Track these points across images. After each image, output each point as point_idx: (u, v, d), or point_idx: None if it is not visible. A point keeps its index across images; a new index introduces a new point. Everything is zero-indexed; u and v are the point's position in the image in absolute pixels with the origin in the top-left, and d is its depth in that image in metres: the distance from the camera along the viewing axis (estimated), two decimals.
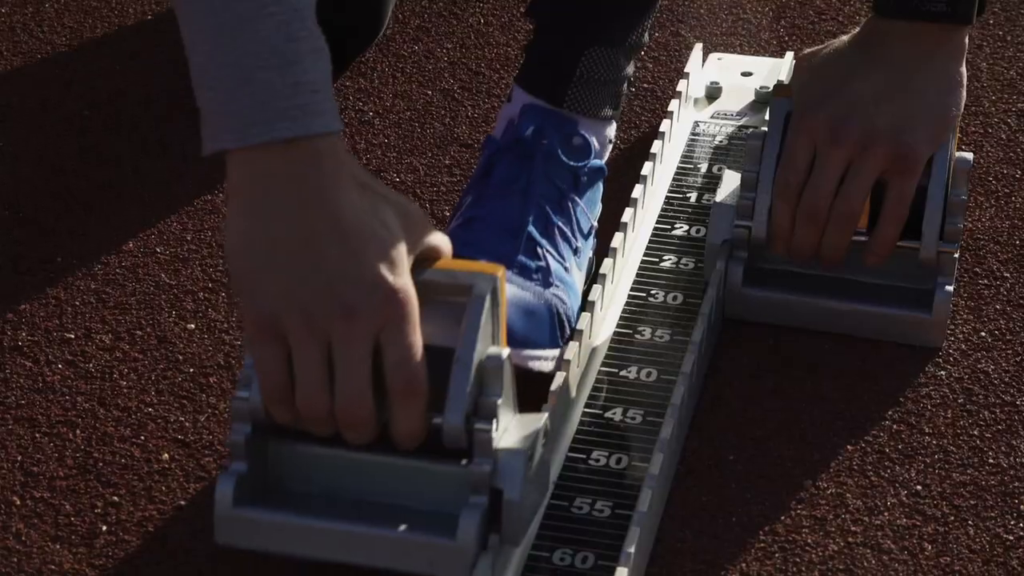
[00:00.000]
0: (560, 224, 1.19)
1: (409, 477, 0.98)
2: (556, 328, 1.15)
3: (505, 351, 0.97)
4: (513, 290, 1.13)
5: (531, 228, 1.17)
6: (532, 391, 1.06)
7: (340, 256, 0.94)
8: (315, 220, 0.94)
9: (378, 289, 0.94)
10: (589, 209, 1.22)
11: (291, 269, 0.94)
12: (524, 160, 1.20)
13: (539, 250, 1.17)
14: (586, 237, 1.21)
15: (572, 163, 1.20)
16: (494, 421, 0.95)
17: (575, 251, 1.19)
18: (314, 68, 0.95)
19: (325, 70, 0.96)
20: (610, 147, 1.26)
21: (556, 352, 1.13)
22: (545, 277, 1.16)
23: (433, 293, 0.97)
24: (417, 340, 0.94)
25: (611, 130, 1.25)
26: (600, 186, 1.24)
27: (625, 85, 1.26)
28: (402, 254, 0.95)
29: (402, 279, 0.95)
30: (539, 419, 0.99)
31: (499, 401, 0.96)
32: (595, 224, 1.23)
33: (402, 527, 0.96)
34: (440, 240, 1.00)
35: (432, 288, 0.97)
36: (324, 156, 0.95)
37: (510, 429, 0.98)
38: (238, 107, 0.94)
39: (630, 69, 1.26)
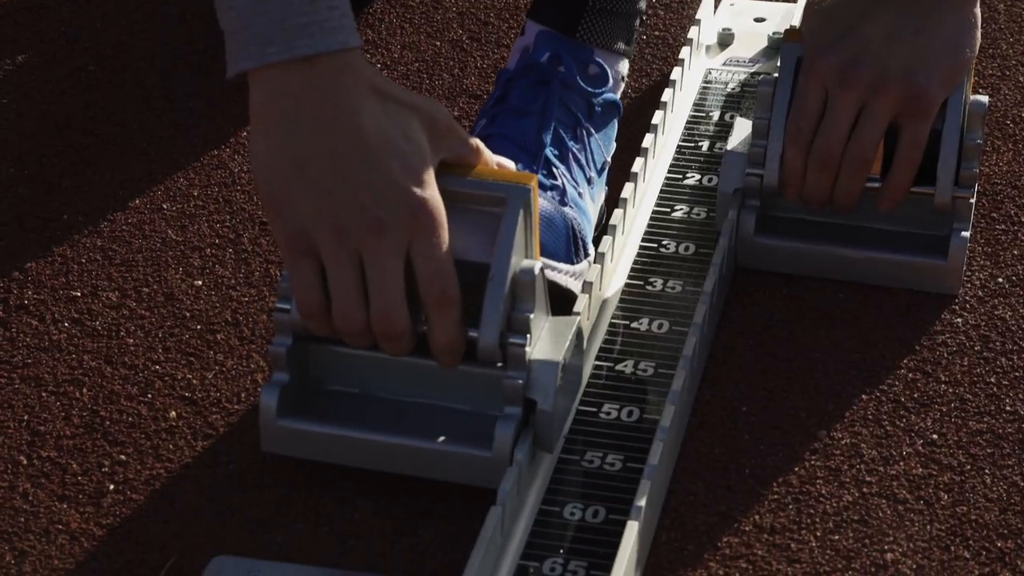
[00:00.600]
0: (575, 151, 1.18)
1: (447, 379, 1.01)
2: (571, 244, 1.14)
3: (538, 264, 0.99)
4: None
5: (548, 150, 1.16)
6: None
7: (364, 172, 0.95)
8: (337, 136, 0.95)
9: (404, 203, 0.95)
10: (604, 143, 1.21)
11: (317, 186, 0.95)
12: (540, 84, 1.19)
13: (555, 171, 1.16)
14: (600, 171, 1.20)
15: (588, 90, 1.19)
16: (527, 336, 0.98)
17: (589, 181, 1.18)
18: None
19: None
20: (623, 85, 1.24)
21: (573, 268, 1.13)
22: (560, 196, 1.15)
23: (465, 202, 0.98)
24: (447, 250, 0.96)
25: (623, 66, 1.24)
26: (615, 123, 1.22)
27: (638, 21, 1.24)
28: (427, 164, 0.96)
29: (428, 190, 0.96)
30: (571, 324, 1.01)
31: (532, 316, 0.98)
32: (608, 161, 1.22)
33: (440, 439, 1.00)
34: (470, 146, 1.00)
35: (464, 198, 0.98)
36: (344, 71, 0.95)
37: (543, 337, 1.00)
38: (256, 27, 0.95)
39: (643, 4, 1.24)
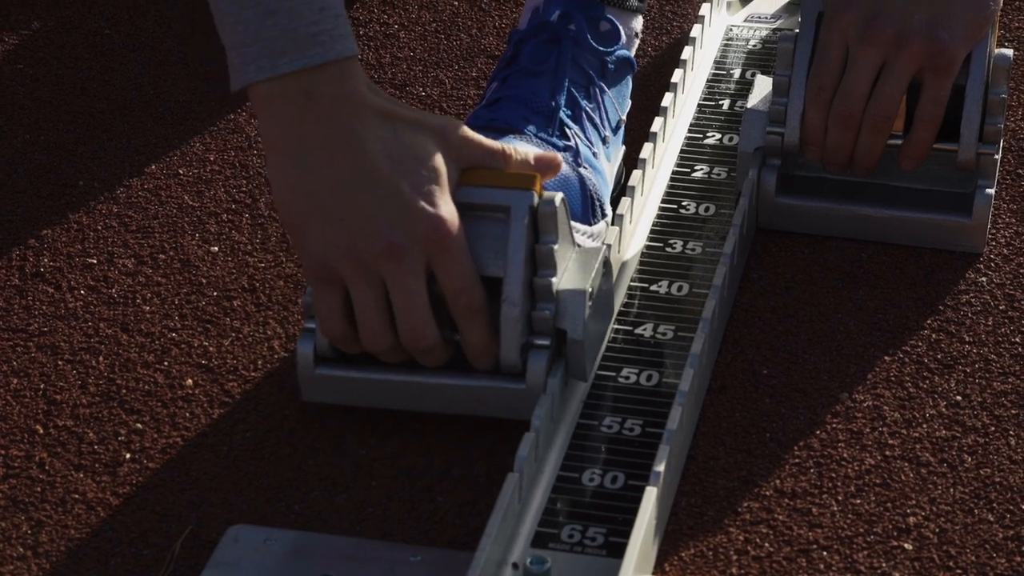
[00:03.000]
0: (588, 110, 1.16)
1: None
2: (588, 205, 1.12)
3: (559, 195, 0.99)
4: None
5: (562, 112, 1.15)
6: None
7: (374, 197, 0.95)
8: (344, 165, 0.95)
9: (418, 222, 0.95)
10: (618, 101, 1.19)
11: (332, 216, 0.96)
12: (551, 44, 1.18)
13: (568, 131, 1.15)
14: (615, 130, 1.19)
15: (600, 47, 1.18)
16: (553, 267, 0.98)
17: (604, 140, 1.17)
18: None
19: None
20: (637, 42, 1.22)
21: (590, 229, 1.12)
22: (574, 157, 1.13)
23: (472, 212, 0.99)
24: (468, 262, 0.97)
25: (637, 23, 1.22)
26: (629, 81, 1.21)
27: None
28: (439, 180, 0.96)
29: (441, 207, 0.96)
30: (597, 253, 1.02)
31: (555, 247, 0.98)
32: (623, 119, 1.20)
33: (474, 374, 1.01)
34: (492, 152, 1.00)
35: (471, 208, 0.99)
36: (347, 80, 0.95)
37: (570, 267, 1.01)
38: (266, 38, 0.95)
39: None
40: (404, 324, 0.97)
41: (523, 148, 1.03)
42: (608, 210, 1.15)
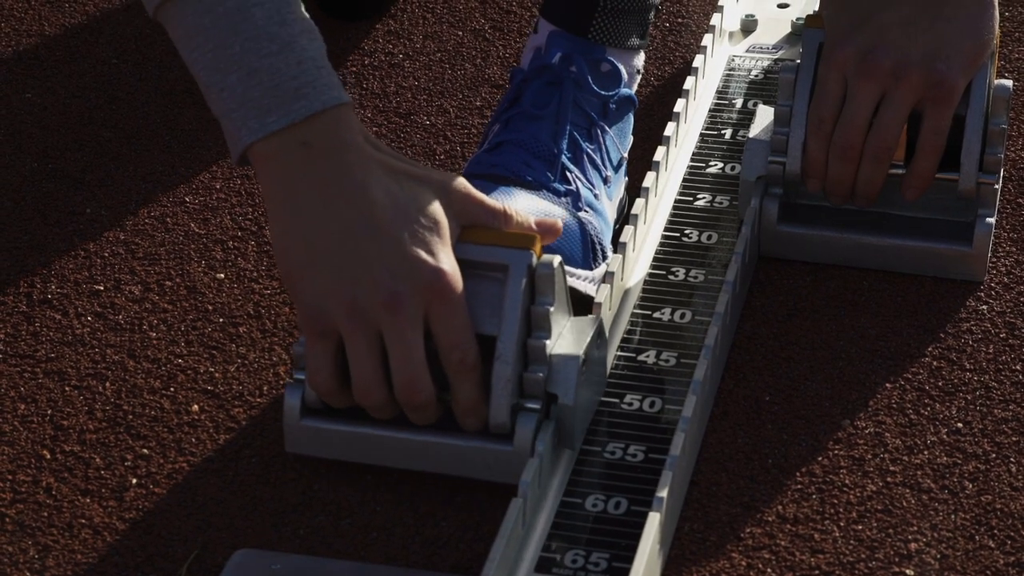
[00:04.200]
0: (590, 151, 1.17)
1: None
2: (589, 249, 1.13)
3: (557, 258, 0.99)
4: (545, 205, 1.12)
5: (563, 157, 1.16)
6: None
7: (375, 246, 0.95)
8: (346, 213, 0.95)
9: (418, 274, 0.95)
10: (619, 139, 1.20)
11: (329, 265, 0.95)
12: (552, 87, 1.18)
13: (568, 175, 1.15)
14: (616, 169, 1.19)
15: (601, 91, 1.19)
16: (547, 329, 0.98)
17: (605, 180, 1.18)
18: (311, 46, 0.96)
19: (321, 48, 0.97)
20: (639, 77, 1.23)
21: (591, 274, 1.12)
22: (574, 201, 1.14)
23: (471, 269, 0.98)
24: (465, 317, 0.96)
25: (639, 60, 1.23)
26: (630, 118, 1.22)
27: (652, 13, 1.23)
28: (441, 232, 0.96)
29: (442, 259, 0.95)
30: (593, 320, 1.01)
31: (551, 309, 0.98)
32: (625, 156, 1.21)
33: (462, 434, 1.00)
34: (493, 212, 0.99)
35: (469, 265, 0.98)
36: (342, 130, 0.96)
37: (564, 333, 1.00)
38: (252, 100, 0.95)
39: None
40: (399, 377, 0.96)
41: (524, 208, 1.02)
42: (609, 251, 1.15)
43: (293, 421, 1.02)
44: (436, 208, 0.96)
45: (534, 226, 1.01)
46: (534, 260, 0.98)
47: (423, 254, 0.95)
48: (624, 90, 1.20)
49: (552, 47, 1.19)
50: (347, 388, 0.99)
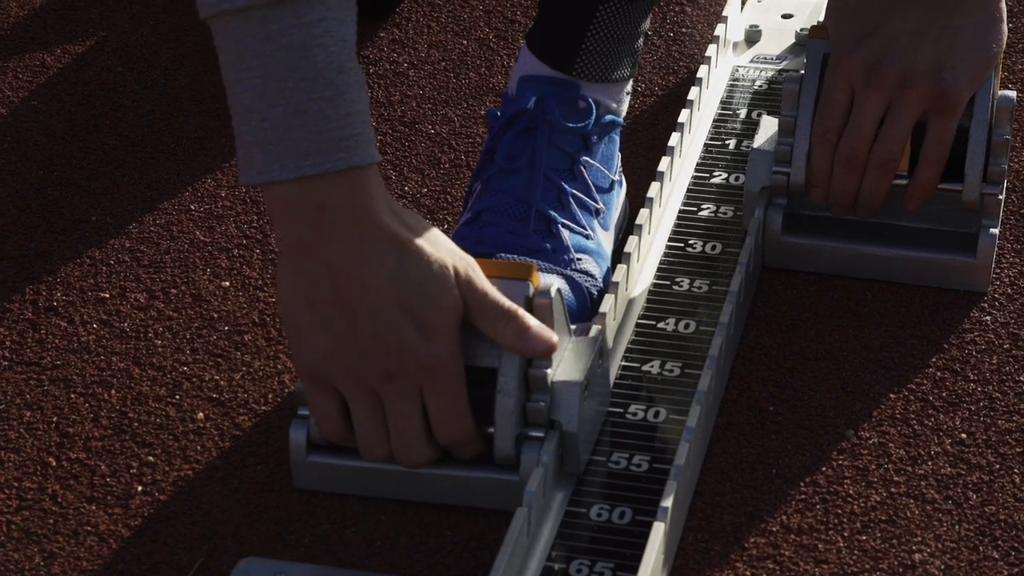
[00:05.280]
0: (574, 192, 1.16)
1: (472, 406, 1.00)
2: (587, 300, 1.13)
3: (555, 286, 0.99)
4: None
5: (539, 206, 1.14)
6: None
7: (371, 322, 0.95)
8: (348, 285, 0.95)
9: (411, 356, 0.95)
10: (606, 164, 1.19)
11: (330, 327, 0.96)
12: (527, 133, 1.16)
13: (552, 228, 1.14)
14: (608, 192, 1.19)
15: (579, 125, 1.16)
16: (548, 359, 0.98)
17: (596, 213, 1.17)
18: (360, 99, 0.95)
19: (367, 103, 0.95)
20: (628, 99, 1.22)
21: (587, 325, 1.11)
22: (560, 255, 1.13)
23: None
24: (457, 399, 0.96)
25: (627, 87, 1.21)
26: (616, 137, 1.20)
27: (641, 40, 1.21)
28: (443, 315, 0.95)
29: (438, 344, 0.95)
30: (593, 343, 1.02)
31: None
32: (615, 177, 1.20)
33: (468, 466, 1.00)
34: (501, 312, 0.97)
35: None
36: (364, 194, 0.94)
37: (565, 356, 1.01)
38: (292, 138, 0.93)
39: (646, 24, 1.21)
40: (396, 443, 0.98)
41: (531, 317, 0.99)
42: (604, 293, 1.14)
43: (300, 458, 1.02)
44: (441, 293, 0.95)
45: (529, 337, 0.98)
46: (531, 291, 0.99)
47: (419, 338, 0.95)
48: (606, 117, 1.18)
49: (527, 89, 1.17)
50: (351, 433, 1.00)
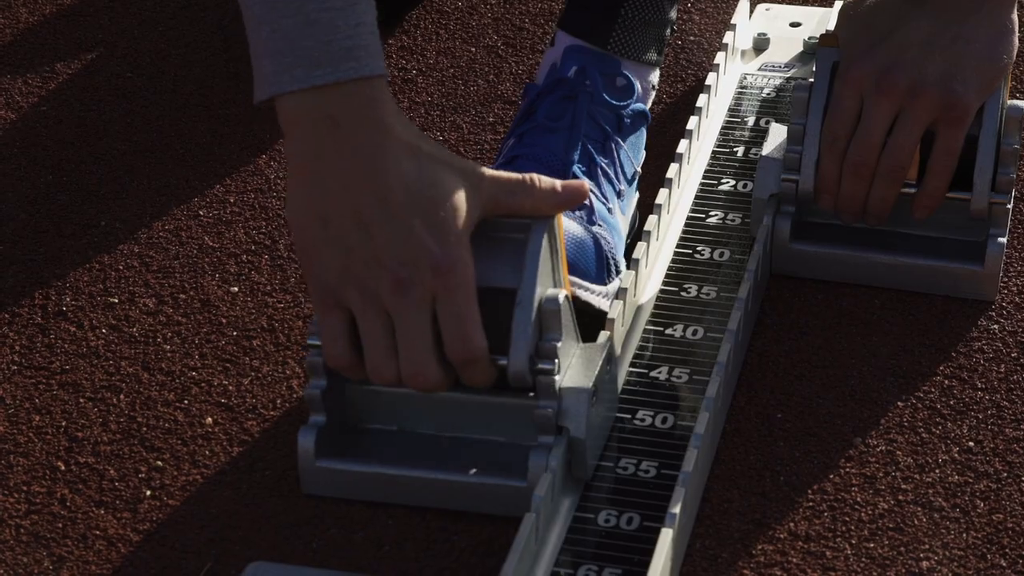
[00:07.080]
0: (604, 165, 1.17)
1: (481, 411, 1.02)
2: (603, 264, 1.13)
3: (563, 292, 0.99)
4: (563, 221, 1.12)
5: (576, 168, 1.16)
6: (581, 328, 1.04)
7: (386, 230, 0.94)
8: (361, 195, 0.95)
9: (425, 261, 0.94)
10: (633, 153, 1.20)
11: (341, 243, 0.95)
12: (567, 100, 1.19)
13: None
14: (630, 182, 1.20)
15: (616, 103, 1.19)
16: (555, 363, 0.98)
17: (619, 194, 1.18)
18: (368, 11, 0.95)
19: (375, 16, 0.96)
20: (653, 94, 1.24)
21: (604, 289, 1.13)
22: (588, 215, 1.14)
23: (492, 231, 0.98)
24: (470, 307, 0.95)
25: (654, 76, 1.24)
26: (643, 132, 1.22)
27: (668, 30, 1.24)
28: (455, 220, 0.95)
29: (453, 248, 0.95)
30: (601, 348, 1.02)
31: (559, 344, 0.98)
32: (639, 170, 1.22)
33: (474, 471, 1.00)
34: (514, 182, 0.98)
35: (491, 226, 0.98)
36: (375, 105, 0.95)
37: (573, 363, 1.01)
38: (303, 48, 0.94)
39: (673, 13, 1.24)
40: (405, 361, 0.96)
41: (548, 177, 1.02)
42: (623, 266, 1.16)
43: (308, 464, 1.02)
44: (455, 194, 0.96)
45: (559, 188, 1.00)
46: (555, 222, 0.99)
47: (433, 241, 0.94)
48: (638, 104, 1.21)
49: (568, 61, 1.20)
50: (364, 360, 0.98)
